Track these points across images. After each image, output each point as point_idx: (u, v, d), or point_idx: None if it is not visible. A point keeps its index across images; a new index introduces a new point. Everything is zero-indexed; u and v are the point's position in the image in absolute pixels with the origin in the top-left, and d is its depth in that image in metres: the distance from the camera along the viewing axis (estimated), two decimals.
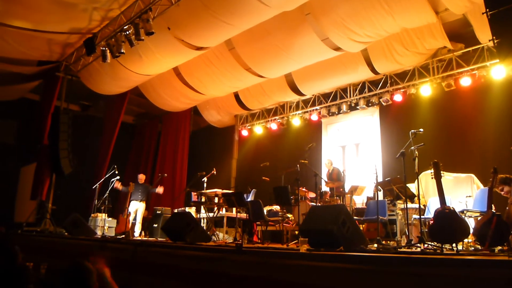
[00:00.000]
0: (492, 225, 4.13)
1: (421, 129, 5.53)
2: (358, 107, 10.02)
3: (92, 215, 9.71)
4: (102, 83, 10.46)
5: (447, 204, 4.55)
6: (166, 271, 4.96)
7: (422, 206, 6.07)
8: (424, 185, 6.46)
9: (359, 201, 8.70)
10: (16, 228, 9.43)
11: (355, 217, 6.35)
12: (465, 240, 4.86)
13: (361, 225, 6.98)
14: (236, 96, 11.82)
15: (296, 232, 7.32)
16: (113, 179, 9.13)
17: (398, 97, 9.15)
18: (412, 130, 5.52)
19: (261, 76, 9.73)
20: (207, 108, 12.34)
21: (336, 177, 8.36)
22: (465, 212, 5.61)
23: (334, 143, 10.74)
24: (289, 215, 8.01)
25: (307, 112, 11.14)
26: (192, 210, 8.95)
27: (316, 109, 10.94)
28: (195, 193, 9.02)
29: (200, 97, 11.25)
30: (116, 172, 9.19)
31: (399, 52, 8.41)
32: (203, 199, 8.71)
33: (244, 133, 12.67)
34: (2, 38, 8.60)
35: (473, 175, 7.16)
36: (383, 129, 9.70)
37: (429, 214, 6.18)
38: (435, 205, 5.42)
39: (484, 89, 7.97)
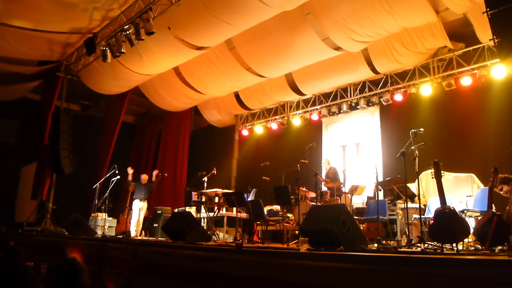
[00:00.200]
0: (493, 224, 4.12)
1: (422, 129, 5.52)
2: (358, 107, 10.01)
3: (92, 214, 9.73)
4: (103, 83, 10.47)
5: (448, 204, 4.55)
6: (166, 270, 4.96)
7: (422, 206, 6.07)
8: (424, 184, 6.47)
9: (360, 200, 8.69)
10: (17, 228, 9.45)
11: (355, 217, 6.36)
12: (466, 240, 4.86)
13: (361, 225, 6.97)
14: (237, 95, 11.82)
15: (296, 232, 7.33)
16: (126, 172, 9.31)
17: (398, 97, 9.14)
18: (413, 130, 5.51)
19: (262, 76, 9.73)
20: (208, 107, 12.34)
21: (332, 176, 8.31)
22: (465, 211, 5.60)
23: (335, 143, 10.74)
24: (289, 215, 8.01)
25: (307, 111, 11.13)
26: (192, 210, 8.95)
27: (317, 109, 10.93)
28: (196, 193, 9.02)
29: (200, 97, 11.25)
30: (117, 172, 9.22)
31: (400, 52, 8.40)
32: (203, 199, 8.71)
33: (245, 132, 12.66)
34: (3, 38, 8.61)
35: (473, 175, 7.16)
36: (383, 129, 9.70)
37: (430, 213, 6.18)
38: (435, 205, 5.42)
39: (485, 88, 7.96)
